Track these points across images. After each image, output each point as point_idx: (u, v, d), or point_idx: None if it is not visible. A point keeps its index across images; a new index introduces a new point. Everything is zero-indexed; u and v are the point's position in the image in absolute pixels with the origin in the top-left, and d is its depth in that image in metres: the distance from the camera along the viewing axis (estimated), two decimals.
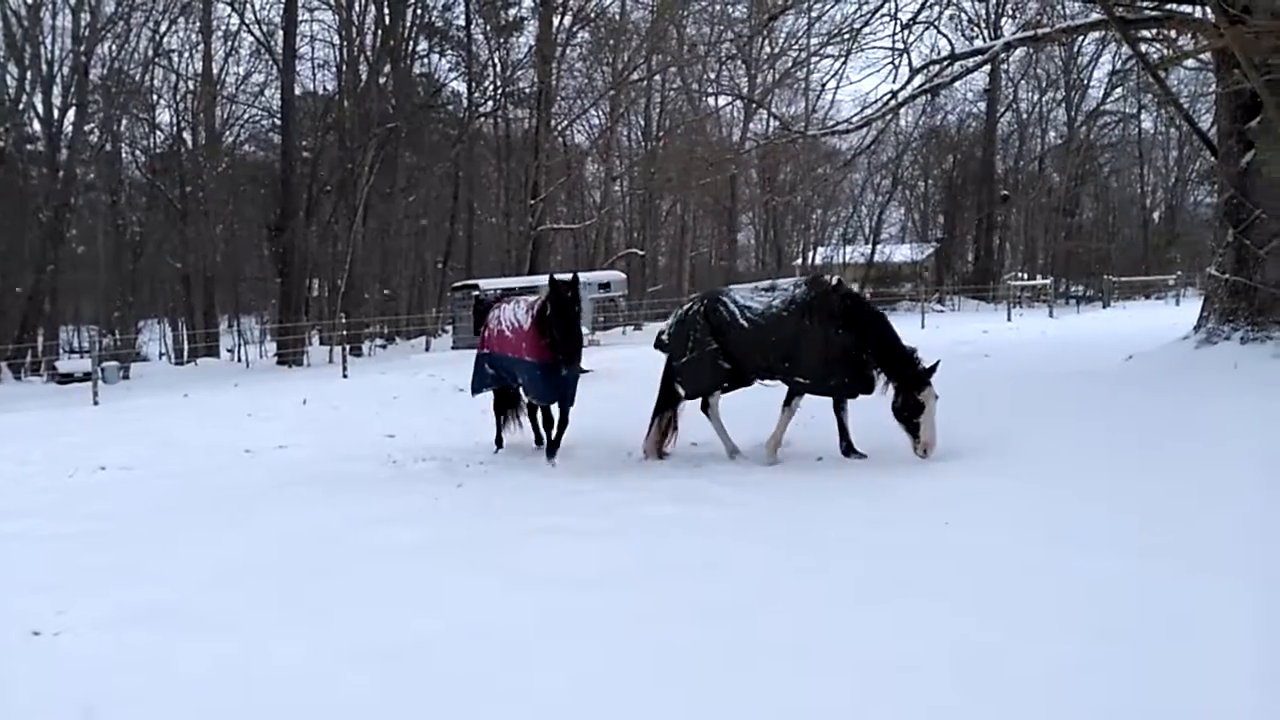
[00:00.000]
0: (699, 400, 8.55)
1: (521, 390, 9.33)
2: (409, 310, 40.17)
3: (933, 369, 7.53)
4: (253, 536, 6.42)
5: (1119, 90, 44.60)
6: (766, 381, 8.38)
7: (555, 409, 8.91)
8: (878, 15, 15.25)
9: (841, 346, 7.74)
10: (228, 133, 39.62)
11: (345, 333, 25.54)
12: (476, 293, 16.23)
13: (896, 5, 14.81)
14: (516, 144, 41.18)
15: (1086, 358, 10.15)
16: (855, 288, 8.09)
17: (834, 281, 8.24)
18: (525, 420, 9.92)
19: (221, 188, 37.44)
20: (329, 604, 4.89)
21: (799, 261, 50.62)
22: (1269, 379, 9.07)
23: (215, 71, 36.78)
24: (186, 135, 38.17)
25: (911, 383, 7.50)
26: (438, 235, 43.67)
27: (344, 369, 21.83)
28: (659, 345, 8.94)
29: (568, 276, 8.53)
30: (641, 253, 45.17)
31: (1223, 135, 11.77)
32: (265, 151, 40.59)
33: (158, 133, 38.24)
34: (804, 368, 7.86)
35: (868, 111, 16.17)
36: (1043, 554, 5.11)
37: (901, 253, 52.22)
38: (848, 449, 8.01)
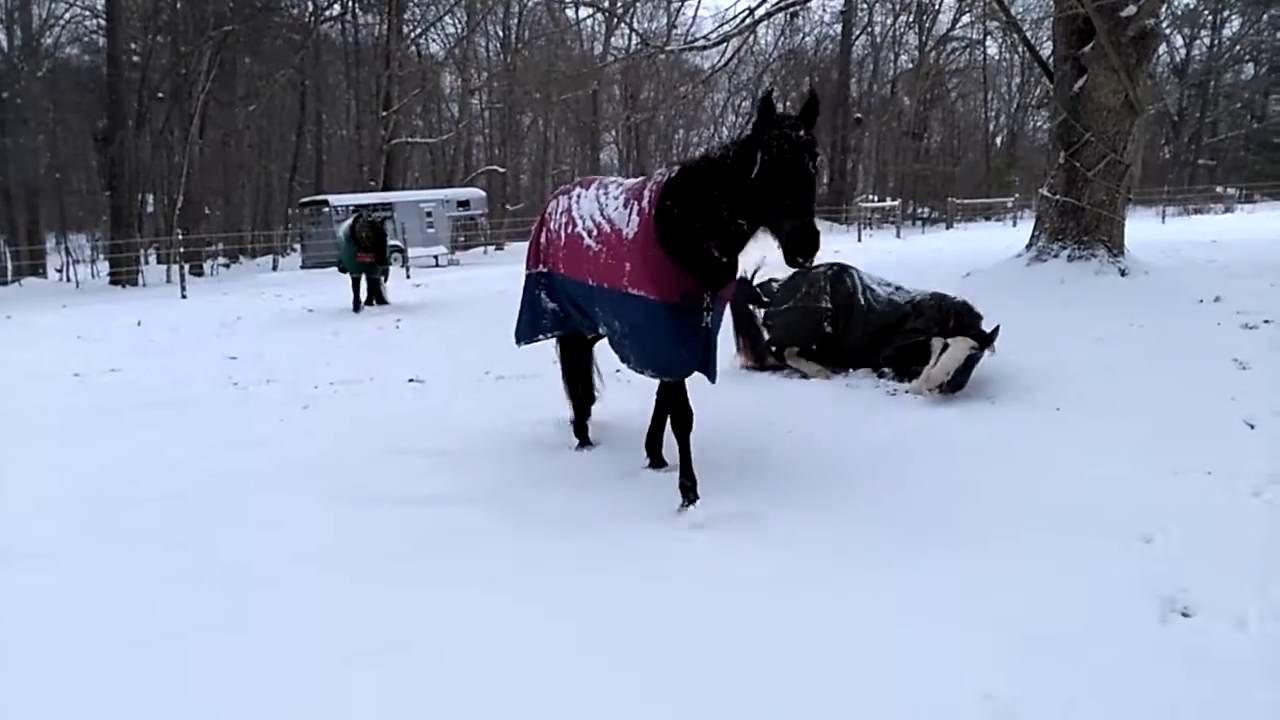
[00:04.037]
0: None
1: (614, 349, 5.34)
2: (254, 227, 38.26)
3: (992, 334, 6.86)
4: (80, 463, 6.05)
5: (967, 16, 45.87)
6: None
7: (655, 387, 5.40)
8: None
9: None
10: (47, 34, 36.23)
11: (184, 251, 24.12)
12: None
13: None
14: (367, 52, 39.36)
15: (928, 275, 10.53)
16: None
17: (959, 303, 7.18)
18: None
19: (43, 94, 34.33)
20: (165, 531, 4.68)
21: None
22: (1088, 293, 9.67)
23: None
24: (1, 37, 34.67)
25: (952, 334, 6.90)
26: (284, 148, 41.57)
27: (183, 289, 20.73)
28: (763, 293, 8.33)
29: (782, 105, 4.91)
30: (502, 170, 44.29)
31: (1058, 60, 12.23)
32: (90, 55, 37.34)
33: None
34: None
35: (726, 28, 16.10)
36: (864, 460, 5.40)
37: None
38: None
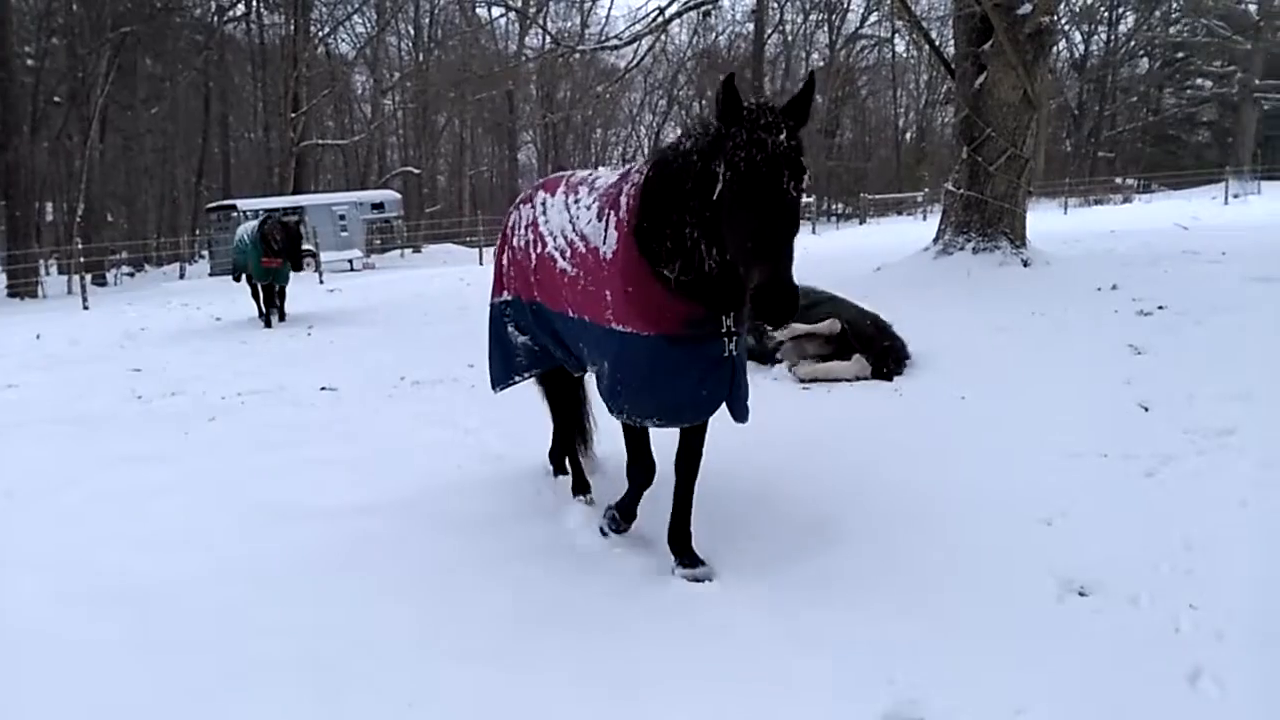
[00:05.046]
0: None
1: (605, 398, 3.99)
2: (160, 234, 37.08)
3: (890, 370, 7.43)
4: None
5: (875, 15, 46.90)
6: None
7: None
8: None
9: None
10: None
11: (85, 260, 23.28)
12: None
13: None
14: (273, 52, 38.50)
15: (842, 269, 10.78)
16: None
17: None
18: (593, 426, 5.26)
19: None
20: (63, 549, 4.50)
21: None
22: (993, 284, 9.98)
23: None
24: None
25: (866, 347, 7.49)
26: (189, 151, 40.39)
27: (85, 300, 20.04)
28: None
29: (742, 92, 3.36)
30: (418, 171, 43.74)
31: (960, 58, 12.59)
32: None
33: None
34: None
35: (637, 27, 16.17)
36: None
37: None
38: None
